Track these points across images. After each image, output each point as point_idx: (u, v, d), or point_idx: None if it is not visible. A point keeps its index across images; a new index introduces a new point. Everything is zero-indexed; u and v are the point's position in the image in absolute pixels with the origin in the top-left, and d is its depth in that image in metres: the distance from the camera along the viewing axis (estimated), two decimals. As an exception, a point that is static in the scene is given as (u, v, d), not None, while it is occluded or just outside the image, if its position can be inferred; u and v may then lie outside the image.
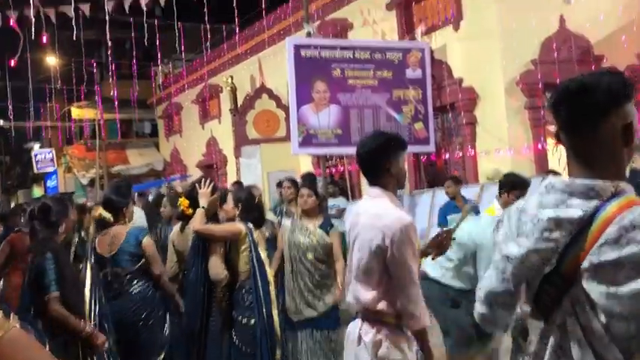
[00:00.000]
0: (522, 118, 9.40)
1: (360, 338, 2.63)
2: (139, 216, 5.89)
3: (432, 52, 10.32)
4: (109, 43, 12.12)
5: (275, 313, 3.99)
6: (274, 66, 13.73)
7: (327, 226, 4.72)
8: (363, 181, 4.93)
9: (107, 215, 4.23)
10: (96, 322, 3.56)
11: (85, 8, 10.88)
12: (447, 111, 10.42)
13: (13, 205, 21.06)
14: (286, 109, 11.96)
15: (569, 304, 1.39)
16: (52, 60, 19.09)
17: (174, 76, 21.02)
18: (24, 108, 19.90)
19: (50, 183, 23.87)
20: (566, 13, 9.42)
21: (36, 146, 25.65)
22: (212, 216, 4.14)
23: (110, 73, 17.94)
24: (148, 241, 4.12)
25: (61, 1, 10.80)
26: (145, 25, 10.88)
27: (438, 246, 2.96)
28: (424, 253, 2.98)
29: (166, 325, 4.14)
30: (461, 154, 10.35)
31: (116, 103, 17.96)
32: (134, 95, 18.34)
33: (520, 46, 9.12)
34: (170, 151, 21.13)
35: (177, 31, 11.82)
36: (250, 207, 4.23)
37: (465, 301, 3.77)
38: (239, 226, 4.05)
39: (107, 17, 10.71)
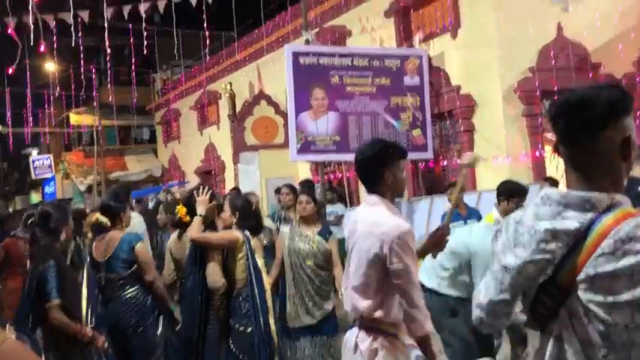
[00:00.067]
0: (520, 125, 9.42)
1: (356, 346, 2.63)
2: (137, 221, 5.88)
3: (429, 59, 10.35)
4: (108, 50, 12.12)
5: (272, 321, 3.99)
6: (273, 73, 13.76)
7: (325, 233, 4.74)
8: (362, 187, 4.93)
9: (104, 220, 4.25)
10: (92, 324, 3.57)
11: (84, 15, 10.91)
12: (445, 118, 10.44)
13: (10, 210, 21.01)
14: (285, 115, 11.98)
15: (566, 315, 1.40)
16: (50, 66, 19.11)
17: (172, 82, 21.05)
18: (22, 114, 19.90)
19: (48, 189, 23.84)
20: (563, 21, 9.46)
21: (34, 152, 25.64)
22: (210, 224, 4.14)
23: (109, 79, 17.99)
24: (140, 247, 4.12)
25: (61, 8, 10.82)
26: (144, 32, 10.90)
27: (436, 244, 2.90)
28: (422, 253, 2.96)
29: (159, 331, 4.13)
30: (459, 162, 10.36)
31: (114, 109, 17.98)
32: (133, 101, 18.35)
33: (518, 54, 9.15)
34: (168, 157, 21.13)
35: (176, 37, 11.84)
36: (247, 214, 4.22)
37: (463, 309, 3.77)
38: (236, 233, 4.05)
39: (106, 24, 10.73)
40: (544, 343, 1.46)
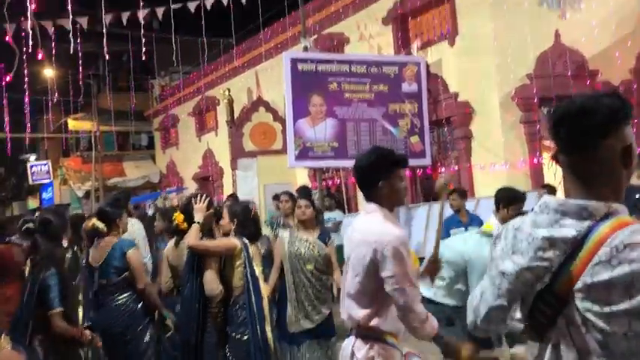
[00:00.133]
0: (518, 132, 9.43)
1: (352, 355, 2.62)
2: (137, 228, 5.85)
3: (427, 66, 10.38)
4: (107, 56, 12.14)
5: (268, 329, 3.97)
6: (271, 79, 13.79)
7: (325, 238, 4.79)
8: (359, 193, 4.95)
9: (100, 225, 4.24)
10: (85, 326, 3.59)
11: (83, 21, 10.92)
12: (443, 125, 10.46)
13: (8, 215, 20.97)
14: (283, 121, 11.99)
15: (564, 324, 1.39)
16: (49, 72, 19.11)
17: (171, 88, 21.07)
18: (21, 119, 19.88)
19: (46, 195, 23.78)
20: (561, 29, 9.49)
21: (32, 158, 25.59)
22: (207, 231, 4.13)
23: (107, 85, 17.99)
24: (132, 254, 4.11)
25: (59, 14, 10.84)
26: (143, 38, 10.91)
27: (430, 272, 3.05)
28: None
29: (146, 339, 4.10)
30: (457, 168, 10.37)
31: (113, 115, 17.98)
32: (131, 107, 18.36)
33: (515, 61, 9.18)
34: (166, 163, 21.12)
35: (174, 44, 11.87)
36: (246, 220, 4.21)
37: (459, 318, 3.76)
38: (234, 241, 4.04)
39: (105, 30, 10.75)
40: (542, 352, 1.46)
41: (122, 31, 12.27)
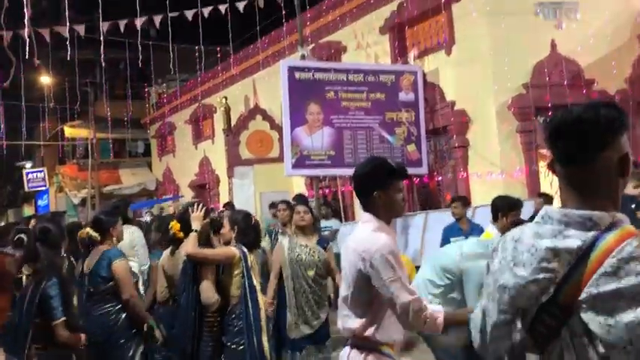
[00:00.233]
0: (514, 141, 9.46)
1: (348, 365, 2.60)
2: (137, 236, 5.79)
3: (424, 75, 10.40)
4: (104, 64, 12.14)
5: (265, 339, 3.94)
6: (268, 87, 13.80)
7: (323, 243, 4.83)
8: (356, 202, 4.96)
9: (94, 234, 4.22)
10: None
11: (80, 29, 10.93)
12: (440, 134, 10.48)
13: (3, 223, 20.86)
14: (280, 129, 12.00)
15: (568, 336, 1.38)
16: (46, 79, 19.09)
17: (168, 96, 21.07)
18: (17, 127, 19.84)
19: (41, 202, 23.67)
20: (557, 38, 9.54)
21: (28, 165, 25.51)
22: (204, 240, 4.11)
23: (104, 92, 17.98)
24: (118, 265, 4.07)
25: (56, 22, 10.84)
26: (140, 46, 10.93)
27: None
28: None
29: (132, 351, 4.05)
30: (453, 177, 10.38)
31: (109, 122, 17.96)
32: (128, 115, 18.34)
33: (511, 70, 9.21)
34: (163, 170, 21.08)
35: (171, 51, 11.87)
36: (247, 228, 4.18)
37: (455, 327, 3.73)
38: (233, 250, 4.02)
39: (102, 37, 10.75)
40: (543, 364, 1.44)
41: (119, 38, 12.26)
